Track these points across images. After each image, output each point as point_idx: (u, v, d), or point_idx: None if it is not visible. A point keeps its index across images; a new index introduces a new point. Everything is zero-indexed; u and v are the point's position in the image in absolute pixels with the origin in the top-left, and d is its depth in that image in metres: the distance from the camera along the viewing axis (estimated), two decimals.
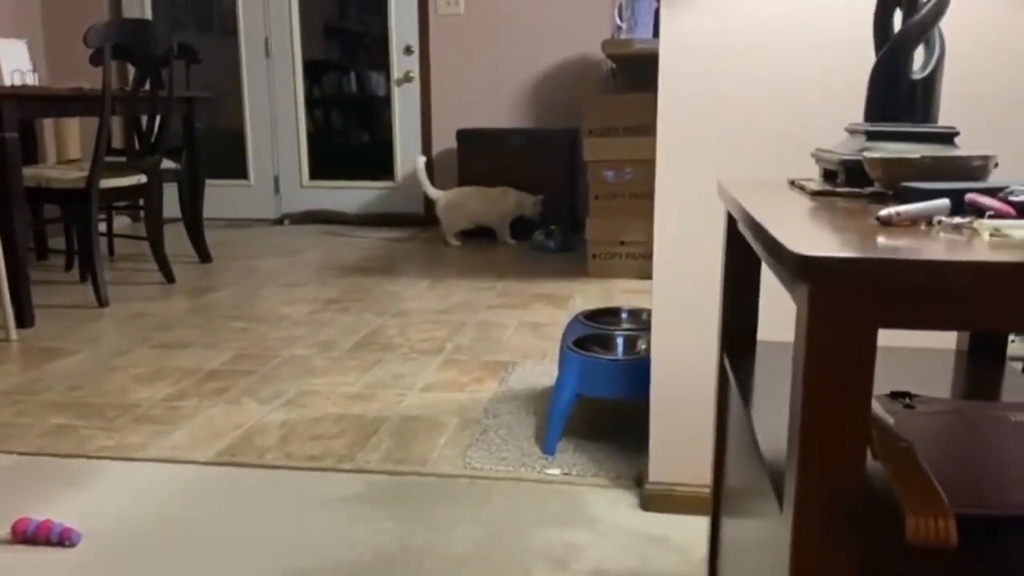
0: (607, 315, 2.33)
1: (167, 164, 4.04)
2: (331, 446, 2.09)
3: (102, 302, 3.46)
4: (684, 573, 1.55)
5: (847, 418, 0.62)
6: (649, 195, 1.65)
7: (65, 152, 4.80)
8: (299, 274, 4.14)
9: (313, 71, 5.75)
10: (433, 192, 4.87)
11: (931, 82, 1.02)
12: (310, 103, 5.78)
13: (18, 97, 3.15)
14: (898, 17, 1.04)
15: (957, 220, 0.71)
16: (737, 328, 1.19)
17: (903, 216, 0.72)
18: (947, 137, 1.01)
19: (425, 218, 5.52)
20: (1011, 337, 1.66)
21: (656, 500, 1.76)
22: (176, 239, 4.48)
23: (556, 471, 1.94)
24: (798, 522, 0.64)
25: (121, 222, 5.36)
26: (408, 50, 5.51)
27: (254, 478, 1.93)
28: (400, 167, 5.65)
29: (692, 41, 1.56)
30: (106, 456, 2.04)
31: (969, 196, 0.75)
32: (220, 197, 5.72)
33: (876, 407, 0.88)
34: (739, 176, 1.59)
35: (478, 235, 4.97)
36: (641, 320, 2.29)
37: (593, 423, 2.20)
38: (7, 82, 3.65)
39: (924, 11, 0.99)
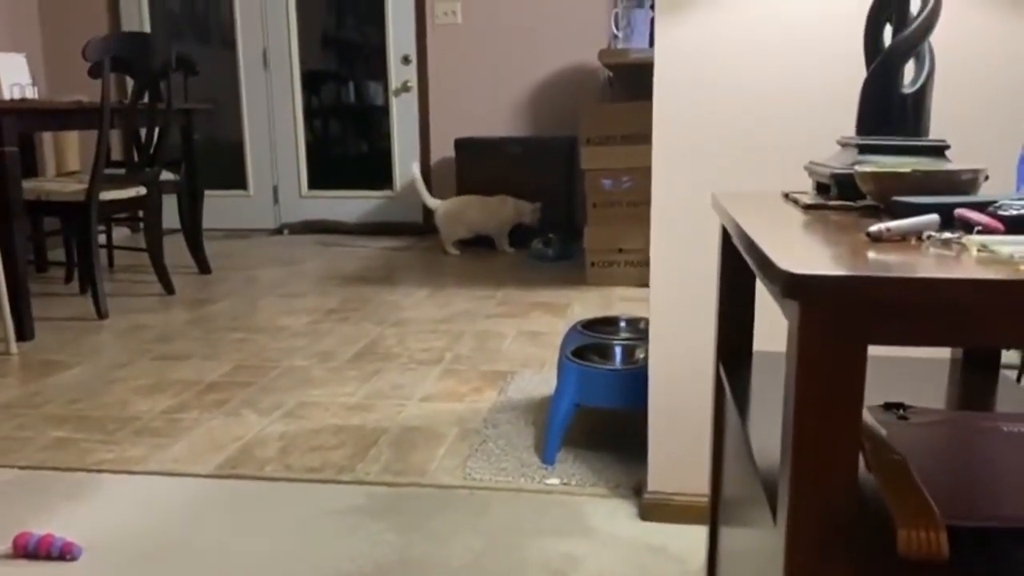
0: (605, 324, 2.34)
1: (166, 176, 4.05)
2: (330, 457, 2.10)
3: (102, 314, 3.46)
4: None
5: (838, 433, 0.63)
6: (647, 203, 1.66)
7: (64, 165, 4.81)
8: (298, 284, 4.15)
9: (311, 81, 5.77)
10: (432, 202, 4.88)
11: (922, 96, 1.03)
12: (308, 113, 5.79)
13: (18, 111, 3.16)
14: (888, 32, 1.06)
15: (946, 235, 0.72)
16: (732, 339, 1.20)
17: (893, 232, 0.73)
18: (938, 150, 1.02)
19: (424, 227, 5.53)
20: None
21: (655, 510, 1.76)
22: (175, 250, 4.49)
23: (555, 481, 1.95)
24: (791, 534, 0.65)
25: (120, 234, 5.37)
26: (406, 60, 5.52)
27: (254, 490, 1.94)
28: (398, 176, 5.66)
29: (687, 51, 1.57)
30: (107, 469, 2.04)
31: (958, 211, 0.76)
32: (219, 207, 5.74)
33: (869, 419, 0.89)
34: (734, 185, 1.60)
35: (477, 244, 4.97)
36: (639, 329, 2.30)
37: (592, 433, 2.20)
38: (7, 96, 3.66)
39: (914, 26, 1.00)
